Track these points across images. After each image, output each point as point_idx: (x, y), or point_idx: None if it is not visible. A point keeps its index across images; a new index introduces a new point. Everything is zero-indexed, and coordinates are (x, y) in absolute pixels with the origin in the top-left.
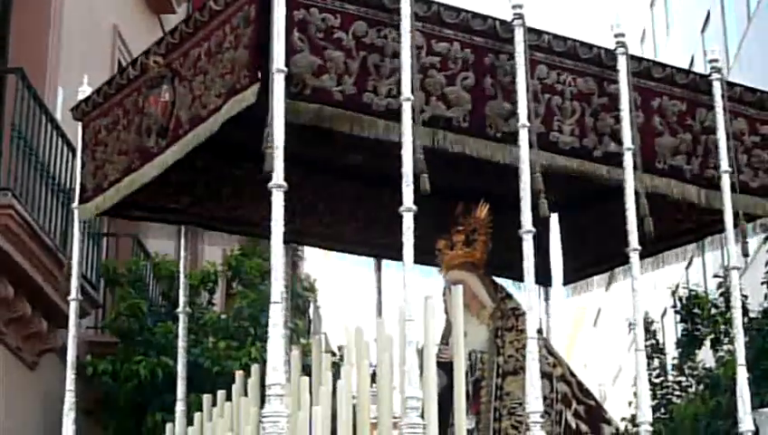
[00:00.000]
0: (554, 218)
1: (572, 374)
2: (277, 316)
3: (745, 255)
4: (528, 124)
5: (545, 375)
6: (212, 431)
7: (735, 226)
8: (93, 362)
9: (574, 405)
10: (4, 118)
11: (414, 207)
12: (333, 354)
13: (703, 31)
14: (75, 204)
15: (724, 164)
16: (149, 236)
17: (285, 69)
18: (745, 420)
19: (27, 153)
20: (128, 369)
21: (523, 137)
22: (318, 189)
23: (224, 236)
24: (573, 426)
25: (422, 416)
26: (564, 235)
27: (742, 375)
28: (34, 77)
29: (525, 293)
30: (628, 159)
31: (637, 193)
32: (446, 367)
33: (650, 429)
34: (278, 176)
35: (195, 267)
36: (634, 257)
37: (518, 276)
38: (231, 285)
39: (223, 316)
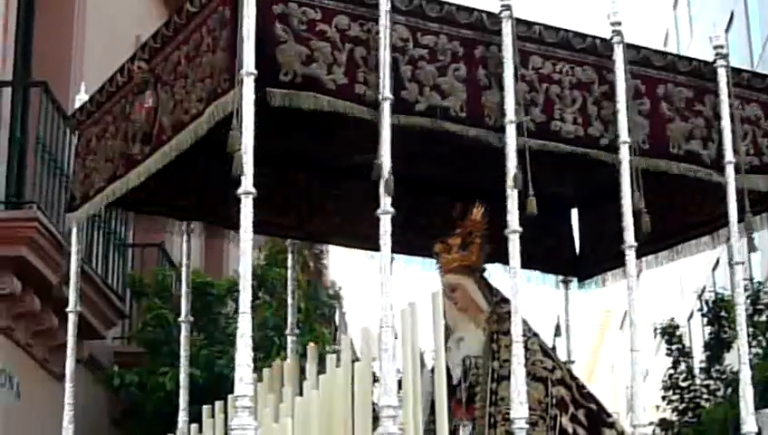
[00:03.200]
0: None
1: (573, 377)
2: (245, 327)
3: (752, 250)
4: (514, 119)
5: (540, 379)
6: None
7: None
8: (120, 373)
9: (571, 410)
10: (29, 131)
11: (391, 210)
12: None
13: (727, 31)
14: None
15: (729, 154)
16: (174, 245)
17: (255, 72)
18: (748, 420)
19: (52, 166)
20: (154, 380)
21: (510, 134)
22: (325, 189)
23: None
24: (570, 431)
25: None
26: (583, 229)
27: (745, 374)
28: (58, 90)
29: (541, 286)
30: (624, 152)
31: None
32: None
33: (646, 432)
34: (247, 182)
35: (220, 277)
36: (630, 255)
37: (543, 268)
38: (257, 294)
39: None
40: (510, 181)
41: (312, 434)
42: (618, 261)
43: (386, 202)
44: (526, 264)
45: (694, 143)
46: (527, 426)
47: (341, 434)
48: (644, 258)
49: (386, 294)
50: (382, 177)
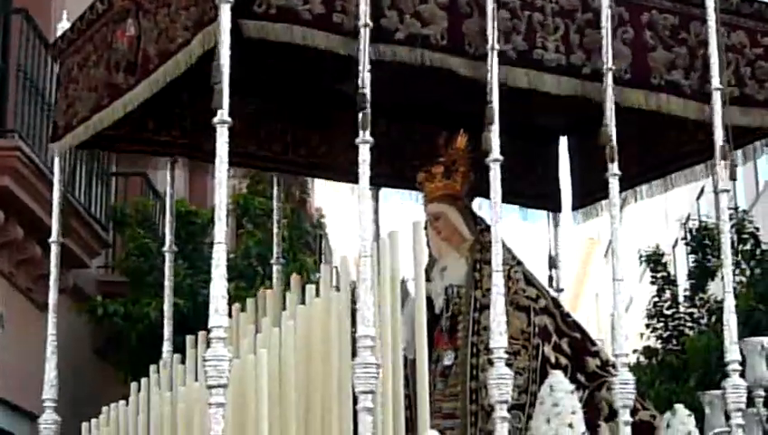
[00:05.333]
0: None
1: (557, 306)
2: (220, 257)
3: (732, 178)
4: (497, 47)
5: (522, 309)
6: (183, 371)
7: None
8: (104, 303)
9: (554, 339)
10: (10, 59)
11: (371, 140)
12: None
13: None
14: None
15: (716, 81)
16: (158, 174)
17: (231, 0)
18: (731, 349)
19: (33, 94)
20: (138, 310)
21: (492, 61)
22: (311, 120)
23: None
24: (552, 360)
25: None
26: (572, 158)
27: (729, 302)
28: (40, 17)
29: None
30: (608, 79)
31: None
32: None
33: (626, 361)
34: (223, 112)
35: (204, 206)
36: (613, 183)
37: (526, 203)
38: (242, 223)
39: (231, 256)
40: (489, 112)
41: (288, 365)
42: (607, 190)
43: (365, 131)
44: (508, 198)
45: (675, 73)
46: (506, 356)
47: (319, 365)
48: (636, 188)
49: (364, 224)
50: (362, 107)
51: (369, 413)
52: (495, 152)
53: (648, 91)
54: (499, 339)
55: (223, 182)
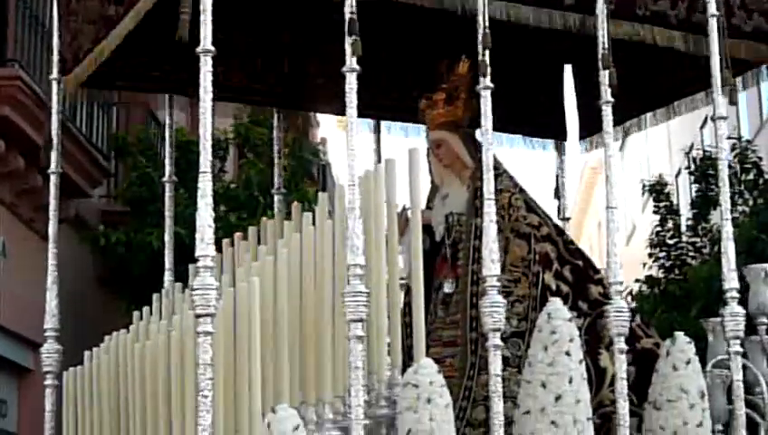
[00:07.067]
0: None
1: (560, 233)
2: (206, 187)
3: (732, 103)
4: None
5: (523, 236)
6: (182, 300)
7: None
8: (106, 232)
9: (555, 266)
10: None
11: (357, 68)
12: None
13: None
14: (54, 75)
15: (712, 7)
16: (159, 102)
17: None
18: (729, 277)
19: (33, 23)
20: (140, 239)
21: None
22: (309, 51)
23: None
24: (553, 287)
25: None
26: (577, 87)
27: (727, 229)
28: None
29: (534, 148)
30: (600, 7)
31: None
32: (427, 230)
33: (621, 289)
34: (206, 40)
35: None
36: (606, 111)
37: (530, 132)
38: (244, 153)
39: (233, 186)
40: (481, 41)
41: (282, 293)
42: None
43: (352, 60)
44: (513, 127)
45: (661, 3)
46: (499, 284)
47: (312, 293)
48: (642, 116)
49: (351, 154)
50: (351, 33)
51: (359, 341)
52: (486, 80)
53: (633, 23)
54: (491, 266)
55: (208, 112)
